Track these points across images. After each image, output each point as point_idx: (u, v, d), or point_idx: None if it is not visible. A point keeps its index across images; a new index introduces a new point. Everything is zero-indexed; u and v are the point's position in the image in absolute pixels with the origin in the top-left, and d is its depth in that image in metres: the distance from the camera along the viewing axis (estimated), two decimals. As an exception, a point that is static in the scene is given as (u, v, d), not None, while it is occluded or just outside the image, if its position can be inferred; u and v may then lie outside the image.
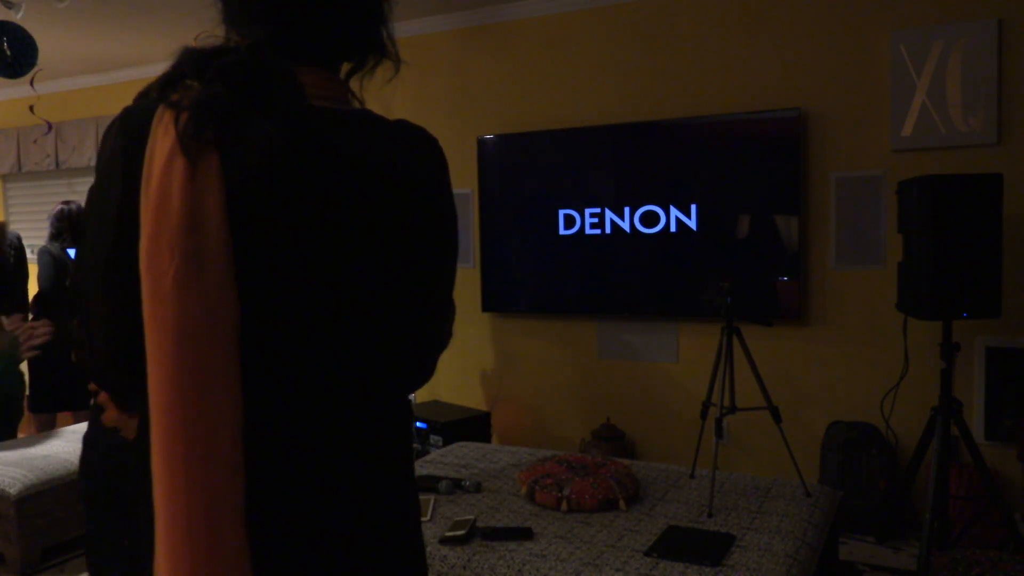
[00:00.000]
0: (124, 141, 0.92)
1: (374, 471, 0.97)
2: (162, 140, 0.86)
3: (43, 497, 3.29)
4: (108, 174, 0.93)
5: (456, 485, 2.88)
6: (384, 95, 4.84)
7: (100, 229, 0.94)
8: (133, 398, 0.93)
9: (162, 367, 0.85)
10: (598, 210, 4.17)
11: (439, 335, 1.05)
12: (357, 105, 1.02)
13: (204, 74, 0.88)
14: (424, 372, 1.05)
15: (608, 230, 4.16)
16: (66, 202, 4.33)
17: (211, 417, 0.85)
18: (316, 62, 0.97)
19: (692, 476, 3.02)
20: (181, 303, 0.84)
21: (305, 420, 0.92)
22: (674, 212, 4.00)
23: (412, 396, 4.50)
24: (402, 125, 1.00)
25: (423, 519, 2.57)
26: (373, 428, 0.97)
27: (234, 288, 0.86)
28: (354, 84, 1.04)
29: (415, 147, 0.98)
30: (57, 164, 5.99)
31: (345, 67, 1.03)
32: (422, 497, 2.78)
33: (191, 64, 0.88)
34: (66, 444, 3.62)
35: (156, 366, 0.85)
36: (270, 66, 0.89)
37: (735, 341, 3.32)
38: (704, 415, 3.02)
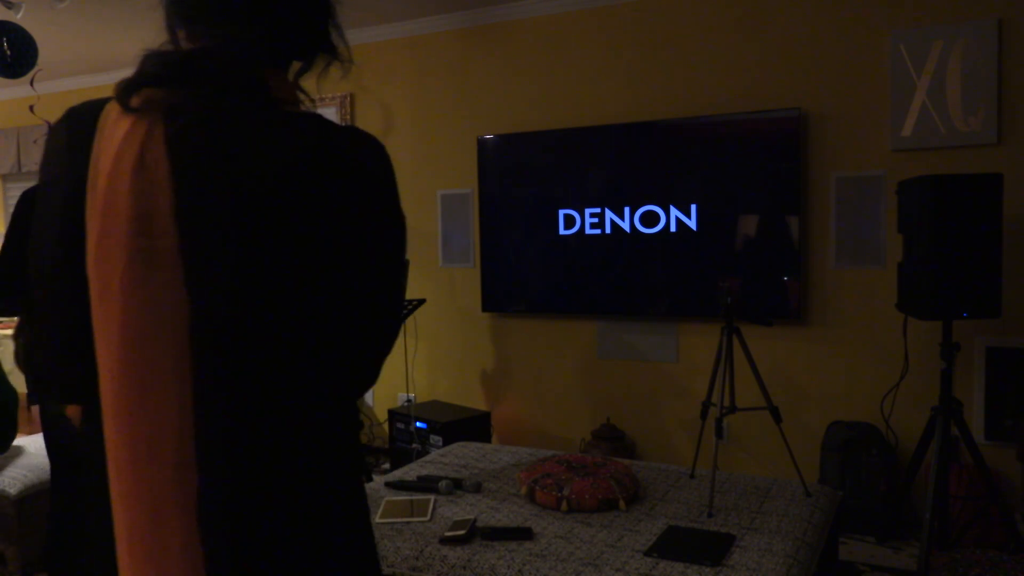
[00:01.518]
0: (69, 141, 0.92)
1: (322, 467, 0.97)
2: (108, 140, 0.87)
3: (43, 497, 3.29)
4: (53, 174, 0.93)
5: (456, 485, 2.88)
6: (384, 95, 4.84)
7: (45, 229, 0.94)
8: (74, 394, 0.94)
9: (108, 367, 0.86)
10: (598, 210, 4.17)
11: (386, 338, 1.05)
12: (306, 105, 1.03)
13: (184, 79, 0.88)
14: (370, 374, 1.05)
15: (608, 230, 4.16)
16: None
17: (154, 416, 0.85)
18: (271, 62, 0.97)
19: (692, 476, 3.02)
20: (127, 304, 0.85)
21: (256, 419, 0.91)
22: (674, 212, 4.00)
23: (410, 400, 4.50)
24: (352, 130, 1.00)
25: (423, 519, 2.57)
26: (320, 426, 0.97)
27: (183, 289, 0.86)
28: (308, 83, 1.05)
29: (364, 153, 0.98)
30: (57, 164, 5.98)
31: (295, 67, 1.03)
32: (422, 497, 2.78)
33: (159, 69, 0.89)
34: (66, 444, 3.61)
35: (104, 366, 0.86)
36: (248, 71, 0.90)
37: (735, 341, 3.32)
38: (704, 415, 3.02)
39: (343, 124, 1.00)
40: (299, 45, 1.01)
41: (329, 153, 0.93)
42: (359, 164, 0.96)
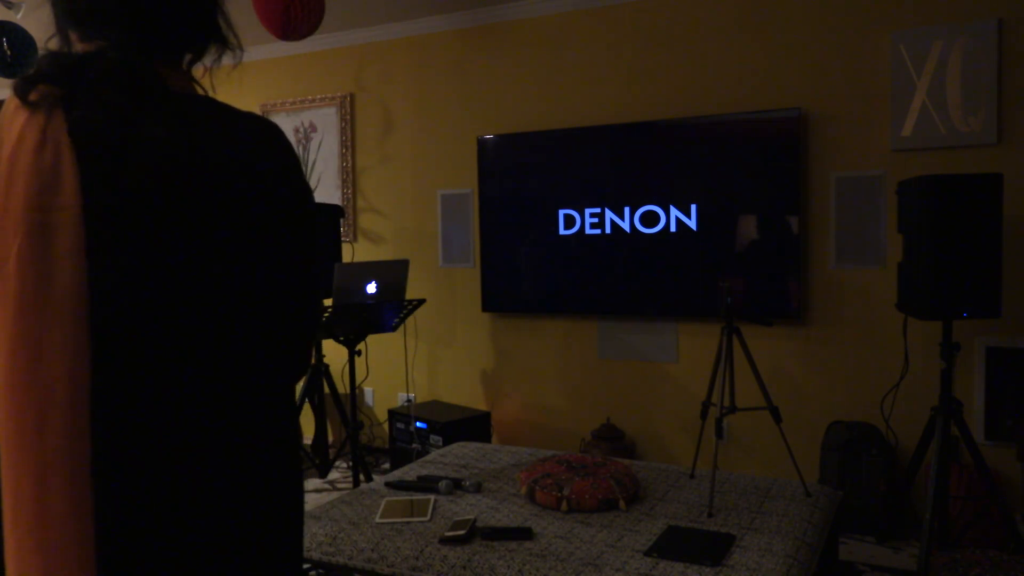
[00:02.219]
0: None
1: (231, 443, 0.98)
2: (8, 129, 0.91)
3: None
4: None
5: (456, 485, 2.88)
6: (384, 95, 4.84)
7: None
8: None
9: (3, 339, 0.88)
10: (598, 210, 4.17)
11: (301, 321, 1.07)
12: (201, 93, 1.06)
13: (79, 79, 0.92)
14: (294, 357, 1.07)
15: (608, 230, 4.16)
16: None
17: (43, 385, 0.87)
18: (163, 58, 1.01)
19: (692, 476, 3.02)
20: (24, 274, 0.87)
21: (157, 392, 0.93)
22: (674, 212, 4.00)
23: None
24: (251, 115, 1.04)
25: (423, 519, 2.57)
26: (233, 402, 0.98)
27: (82, 260, 0.88)
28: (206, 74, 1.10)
29: (263, 134, 1.02)
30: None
31: (187, 58, 1.07)
32: (422, 497, 2.78)
33: (54, 69, 0.93)
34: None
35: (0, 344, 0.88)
36: (139, 70, 0.95)
37: (735, 341, 3.32)
38: (704, 415, 3.02)
39: (243, 111, 1.04)
40: (190, 38, 1.05)
41: (231, 140, 0.97)
42: (258, 149, 1.00)
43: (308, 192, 1.08)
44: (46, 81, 0.93)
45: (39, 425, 0.87)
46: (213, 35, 1.07)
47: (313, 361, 4.17)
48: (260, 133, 1.02)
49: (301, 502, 1.10)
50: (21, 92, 0.93)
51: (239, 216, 0.97)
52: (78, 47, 1.00)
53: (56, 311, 0.88)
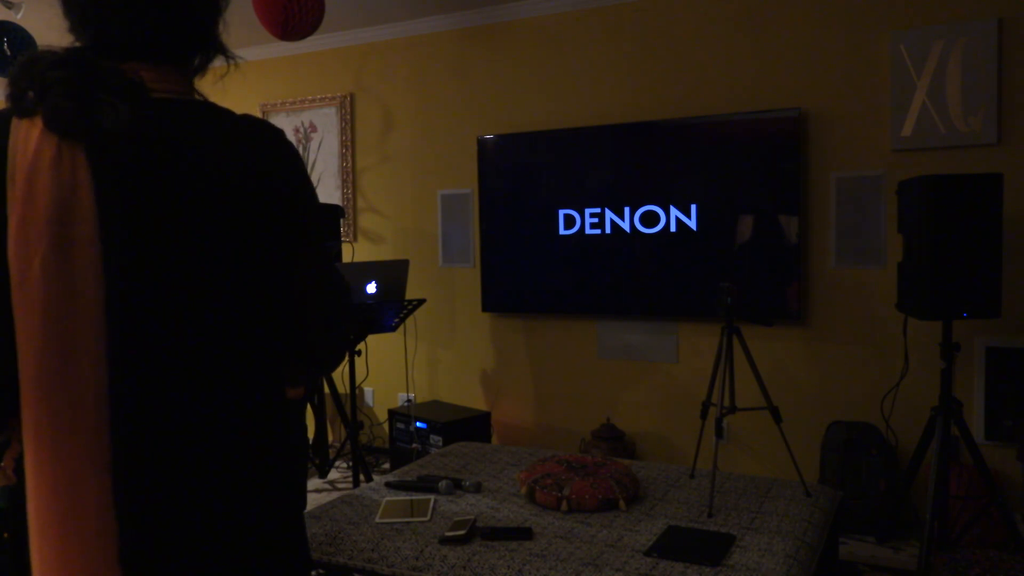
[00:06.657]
0: None
1: (240, 436, 1.05)
2: (24, 141, 0.94)
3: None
4: None
5: (456, 485, 2.88)
6: (384, 95, 4.84)
7: None
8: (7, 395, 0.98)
9: (30, 346, 0.92)
10: (598, 210, 4.17)
11: (318, 319, 1.12)
12: (198, 98, 1.09)
13: (40, 80, 0.96)
14: (314, 355, 1.14)
15: (608, 230, 4.16)
16: None
17: (74, 386, 0.93)
18: (151, 58, 1.03)
19: (692, 476, 3.02)
20: (47, 286, 0.92)
21: (169, 389, 0.99)
22: (674, 212, 4.00)
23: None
24: (249, 117, 1.08)
25: (423, 519, 2.57)
26: (242, 398, 1.05)
27: (100, 270, 0.94)
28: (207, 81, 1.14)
29: (260, 134, 1.06)
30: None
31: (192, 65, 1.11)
32: (422, 497, 2.78)
33: (26, 76, 0.96)
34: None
35: (24, 346, 0.93)
36: (93, 63, 0.97)
37: (735, 341, 3.30)
38: (704, 415, 3.02)
39: (242, 115, 1.08)
40: (181, 46, 1.07)
41: (224, 141, 1.02)
42: (256, 150, 1.05)
43: (311, 190, 1.12)
44: (24, 86, 0.96)
45: (73, 422, 0.93)
46: (213, 46, 1.11)
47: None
48: (259, 134, 1.06)
49: (303, 491, 1.17)
50: (16, 106, 0.96)
51: (240, 215, 1.02)
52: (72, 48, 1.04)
53: (81, 319, 0.93)
